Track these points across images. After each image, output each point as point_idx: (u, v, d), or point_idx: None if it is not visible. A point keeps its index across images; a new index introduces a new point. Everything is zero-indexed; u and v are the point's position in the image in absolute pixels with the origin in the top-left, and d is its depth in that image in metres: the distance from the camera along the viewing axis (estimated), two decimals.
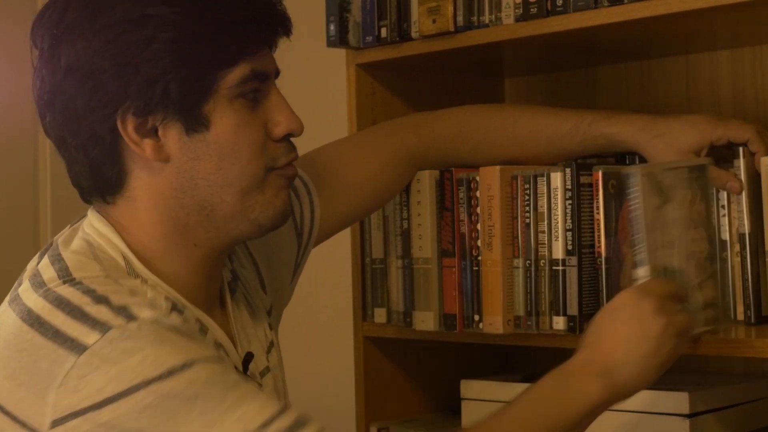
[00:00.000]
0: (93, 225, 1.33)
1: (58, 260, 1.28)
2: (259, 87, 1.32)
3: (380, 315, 1.84)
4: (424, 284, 1.76)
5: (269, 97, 1.34)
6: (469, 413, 1.81)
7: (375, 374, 1.88)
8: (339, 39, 1.84)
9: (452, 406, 1.90)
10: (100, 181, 1.32)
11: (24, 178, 2.76)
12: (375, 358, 1.89)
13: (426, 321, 1.76)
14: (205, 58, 1.27)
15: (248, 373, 1.37)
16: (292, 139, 1.36)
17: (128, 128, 1.28)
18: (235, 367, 1.33)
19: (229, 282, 1.44)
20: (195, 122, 1.29)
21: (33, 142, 2.76)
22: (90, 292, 1.22)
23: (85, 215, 1.36)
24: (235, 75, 1.29)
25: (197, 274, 1.34)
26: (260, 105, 1.33)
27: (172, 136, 1.29)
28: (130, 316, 1.19)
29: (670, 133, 1.60)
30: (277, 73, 1.36)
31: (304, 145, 2.04)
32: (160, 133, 1.28)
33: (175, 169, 1.30)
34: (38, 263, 1.30)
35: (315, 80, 2.34)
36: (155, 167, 1.30)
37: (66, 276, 1.25)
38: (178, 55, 1.26)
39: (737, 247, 1.61)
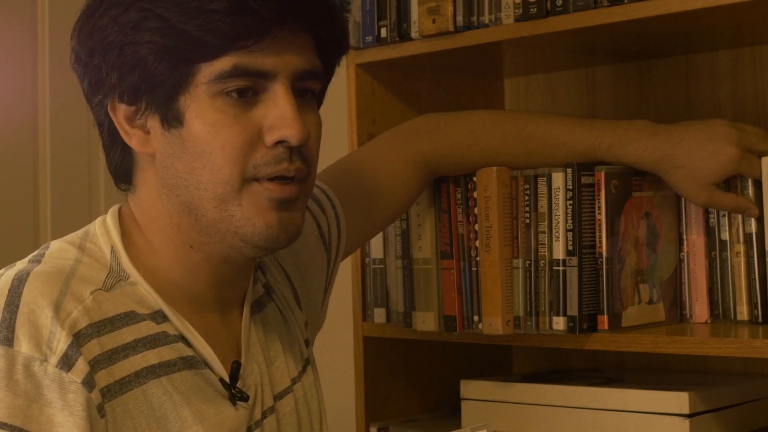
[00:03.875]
0: (107, 214, 1.31)
1: (50, 245, 1.29)
2: (252, 86, 1.22)
3: (380, 315, 1.84)
4: (425, 285, 1.76)
5: (270, 98, 1.23)
6: (469, 413, 1.81)
7: (375, 374, 1.88)
8: None
9: (452, 406, 1.90)
10: (111, 167, 1.31)
11: (24, 178, 2.76)
12: (375, 358, 1.88)
13: (427, 321, 1.76)
14: (184, 48, 1.20)
15: (237, 384, 1.30)
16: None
17: (119, 115, 1.26)
18: (221, 379, 1.28)
19: (260, 296, 1.40)
20: (170, 116, 1.23)
21: (33, 142, 2.76)
22: (13, 292, 1.18)
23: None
24: (214, 69, 1.21)
25: (194, 278, 1.29)
26: (257, 106, 1.23)
27: (154, 128, 1.25)
28: (6, 341, 1.15)
29: (692, 165, 1.57)
30: (307, 73, 1.25)
31: None
32: (148, 124, 1.25)
33: (160, 165, 1.26)
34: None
35: None
36: (150, 160, 1.26)
37: (34, 259, 1.25)
38: (157, 43, 1.20)
39: (737, 247, 1.61)
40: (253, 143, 1.22)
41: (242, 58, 1.21)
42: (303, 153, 1.25)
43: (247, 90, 1.22)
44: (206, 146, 1.22)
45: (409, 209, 1.76)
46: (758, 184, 1.58)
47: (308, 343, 1.47)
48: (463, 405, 1.82)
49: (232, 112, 1.22)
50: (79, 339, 1.17)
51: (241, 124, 1.22)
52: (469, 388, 1.81)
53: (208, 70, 1.21)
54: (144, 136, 1.26)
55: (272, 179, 1.23)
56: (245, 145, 1.22)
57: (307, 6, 1.23)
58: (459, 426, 1.82)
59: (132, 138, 1.26)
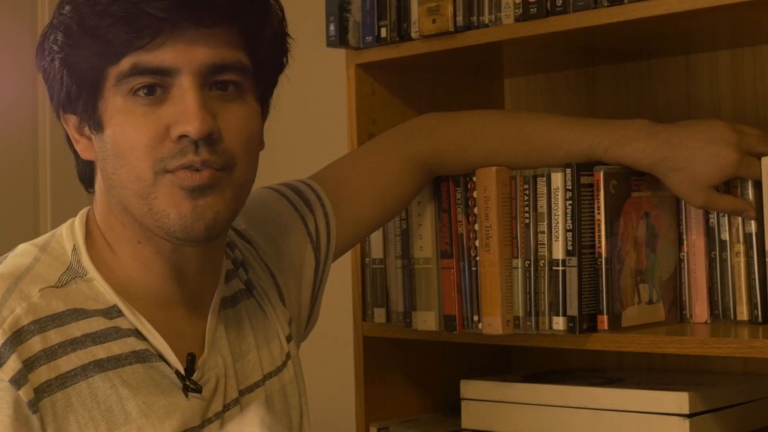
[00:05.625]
0: (77, 216, 1.37)
1: (18, 246, 1.34)
2: (158, 83, 1.25)
3: (380, 315, 1.84)
4: (425, 284, 1.76)
5: (176, 94, 1.25)
6: (469, 413, 1.81)
7: (375, 374, 1.88)
8: (339, 39, 1.84)
9: (452, 406, 1.90)
10: (78, 171, 1.37)
11: (24, 178, 2.76)
12: (375, 358, 1.88)
13: (427, 321, 1.76)
14: (94, 55, 1.25)
15: (194, 376, 1.32)
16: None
17: (69, 125, 1.33)
18: (176, 372, 1.31)
19: (236, 292, 1.43)
20: (94, 122, 1.29)
21: (33, 142, 2.76)
22: None
23: None
24: (117, 71, 1.25)
25: (149, 272, 1.32)
26: (166, 103, 1.26)
27: (91, 135, 1.31)
28: None
29: (690, 167, 1.57)
30: (220, 67, 1.26)
31: (304, 144, 2.04)
32: (89, 132, 1.31)
33: (99, 168, 1.32)
34: None
35: (315, 80, 2.34)
36: (98, 165, 1.33)
37: None
38: (73, 55, 1.26)
39: (737, 248, 1.61)
40: (161, 139, 1.25)
41: (140, 57, 1.24)
42: (214, 145, 1.26)
43: (154, 87, 1.25)
44: (119, 147, 1.26)
45: (410, 208, 1.76)
46: (758, 185, 1.57)
47: (290, 339, 1.48)
48: (463, 405, 1.82)
49: (141, 111, 1.26)
50: (20, 336, 1.22)
51: (148, 121, 1.25)
52: (469, 388, 1.81)
53: (114, 73, 1.25)
54: (88, 143, 1.32)
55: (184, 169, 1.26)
56: (152, 141, 1.25)
57: (200, 3, 1.24)
58: (459, 426, 1.82)
59: (78, 145, 1.33)
